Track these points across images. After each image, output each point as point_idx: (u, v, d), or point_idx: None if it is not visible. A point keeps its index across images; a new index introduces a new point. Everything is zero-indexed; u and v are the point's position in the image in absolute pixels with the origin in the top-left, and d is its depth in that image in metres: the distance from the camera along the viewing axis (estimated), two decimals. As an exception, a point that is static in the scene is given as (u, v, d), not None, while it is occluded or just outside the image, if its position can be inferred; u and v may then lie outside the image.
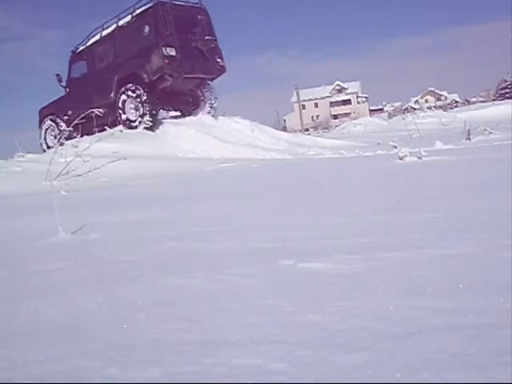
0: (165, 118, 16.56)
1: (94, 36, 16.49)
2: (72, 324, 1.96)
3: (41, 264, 3.01)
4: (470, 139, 14.24)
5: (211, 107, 17.01)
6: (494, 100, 56.90)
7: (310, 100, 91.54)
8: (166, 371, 1.47)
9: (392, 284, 2.07)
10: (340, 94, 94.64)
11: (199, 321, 1.86)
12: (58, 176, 6.83)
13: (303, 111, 70.36)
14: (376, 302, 1.88)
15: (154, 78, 14.75)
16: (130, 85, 14.96)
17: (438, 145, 11.61)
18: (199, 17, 15.68)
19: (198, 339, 1.69)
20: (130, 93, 15.02)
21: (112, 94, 15.35)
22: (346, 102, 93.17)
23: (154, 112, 15.16)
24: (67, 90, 17.21)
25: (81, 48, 16.83)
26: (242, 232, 3.56)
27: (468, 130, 14.88)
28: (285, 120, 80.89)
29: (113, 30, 15.81)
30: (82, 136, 12.93)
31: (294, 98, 74.44)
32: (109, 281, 2.52)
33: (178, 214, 4.82)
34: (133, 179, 8.68)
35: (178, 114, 17.17)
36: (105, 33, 16.06)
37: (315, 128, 64.59)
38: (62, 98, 17.41)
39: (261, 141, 16.89)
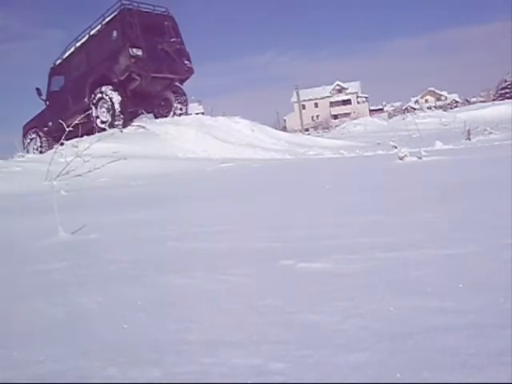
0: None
1: (69, 49, 17.28)
2: (72, 324, 1.96)
3: (41, 264, 3.01)
4: (469, 139, 14.24)
5: (182, 108, 17.63)
6: (494, 100, 56.86)
7: (309, 100, 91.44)
8: (166, 371, 1.47)
9: (392, 284, 2.07)
10: (340, 94, 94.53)
11: (199, 321, 1.86)
12: (58, 176, 6.83)
13: (303, 111, 70.31)
14: (376, 302, 1.88)
15: (123, 77, 15.42)
16: (102, 87, 15.65)
17: (438, 145, 11.61)
18: (166, 23, 16.55)
19: (198, 339, 1.69)
20: (101, 95, 15.70)
21: (86, 99, 15.97)
22: (346, 102, 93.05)
23: (125, 112, 15.54)
24: (47, 103, 17.94)
25: (58, 62, 17.60)
26: (242, 232, 3.56)
27: (468, 130, 14.88)
28: (285, 120, 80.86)
29: (85, 40, 16.65)
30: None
31: (294, 98, 74.39)
32: (109, 281, 2.51)
33: (178, 213, 4.82)
34: (133, 179, 8.68)
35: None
36: (78, 44, 16.90)
37: (315, 128, 64.58)
38: (42, 111, 18.16)
39: (261, 141, 16.90)
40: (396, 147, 11.12)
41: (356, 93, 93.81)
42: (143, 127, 15.75)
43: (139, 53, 15.40)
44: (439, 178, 5.89)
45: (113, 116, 15.50)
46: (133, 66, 15.35)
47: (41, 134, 17.79)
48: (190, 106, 18.78)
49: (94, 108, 15.68)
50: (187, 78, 17.39)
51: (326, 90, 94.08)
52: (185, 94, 17.76)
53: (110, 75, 15.46)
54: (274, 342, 1.60)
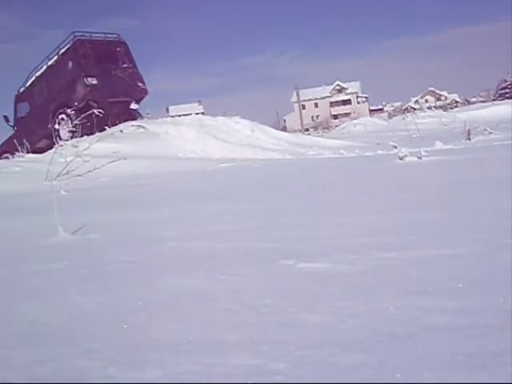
0: None
1: (31, 77, 18.76)
2: (72, 324, 1.96)
3: (41, 264, 3.01)
4: (469, 139, 14.25)
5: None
6: (493, 100, 56.91)
7: (309, 100, 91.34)
8: (166, 371, 1.47)
9: (392, 284, 2.07)
10: (340, 94, 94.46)
11: (199, 321, 1.86)
12: (58, 176, 6.82)
13: (303, 111, 70.23)
14: (376, 302, 1.88)
15: (81, 105, 16.89)
16: (64, 109, 17.27)
17: (438, 145, 11.62)
18: (118, 49, 18.06)
19: (198, 339, 1.68)
20: (63, 116, 17.27)
21: (49, 125, 17.26)
22: (346, 102, 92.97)
23: (86, 134, 16.48)
24: (15, 128, 19.26)
25: (22, 90, 19.06)
26: (242, 232, 3.56)
27: (468, 130, 14.89)
28: (285, 120, 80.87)
29: (44, 70, 18.20)
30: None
31: (294, 98, 74.33)
32: (109, 281, 2.52)
33: (178, 213, 4.82)
34: (133, 179, 8.68)
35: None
36: (38, 73, 18.47)
37: (315, 128, 64.55)
38: (11, 136, 19.39)
39: (261, 141, 16.91)
40: (396, 147, 11.12)
41: (356, 93, 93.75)
42: (143, 127, 15.77)
43: (94, 82, 17.03)
44: (439, 178, 5.89)
45: (73, 136, 16.74)
46: (89, 95, 16.87)
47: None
48: (190, 105, 19.04)
49: (56, 132, 16.97)
50: (142, 99, 18.79)
51: (325, 90, 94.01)
52: (140, 115, 19.18)
53: (69, 103, 17.08)
54: (274, 342, 1.60)
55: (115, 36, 18.24)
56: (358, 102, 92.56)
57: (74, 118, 16.51)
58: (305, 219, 3.88)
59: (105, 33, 18.09)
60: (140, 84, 18.15)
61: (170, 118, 17.55)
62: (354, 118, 53.22)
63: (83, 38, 17.24)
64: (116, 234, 3.90)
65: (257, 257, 2.73)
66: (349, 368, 1.39)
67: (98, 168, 7.85)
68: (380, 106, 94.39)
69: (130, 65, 17.99)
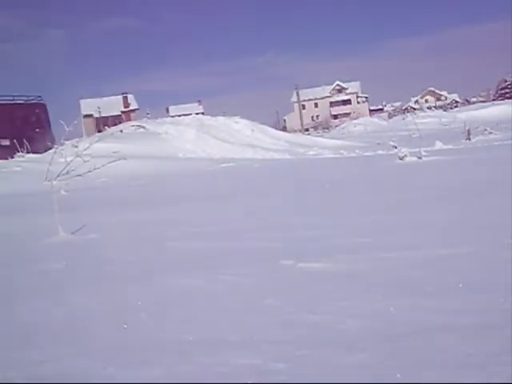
0: None
1: None
2: (72, 324, 1.96)
3: (41, 264, 3.01)
4: (469, 139, 14.25)
5: None
6: (493, 100, 56.93)
7: (309, 100, 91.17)
8: (166, 371, 1.47)
9: (392, 284, 2.07)
10: (340, 94, 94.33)
11: (199, 321, 1.86)
12: (58, 176, 6.82)
13: (303, 111, 70.17)
14: (376, 302, 1.88)
15: None
16: None
17: (438, 145, 11.62)
18: (36, 111, 20.61)
19: (198, 339, 1.69)
20: None
21: None
22: (346, 102, 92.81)
23: None
24: None
25: None
26: (242, 232, 3.56)
27: (468, 130, 14.89)
28: (285, 120, 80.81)
29: None
30: None
31: (294, 98, 74.30)
32: (109, 281, 2.52)
33: (178, 214, 4.82)
34: (133, 179, 8.67)
35: None
36: None
37: (315, 128, 64.57)
38: None
39: (261, 141, 16.93)
40: (396, 147, 11.12)
41: (356, 93, 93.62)
42: (143, 127, 15.78)
43: (7, 143, 19.22)
44: (439, 178, 5.89)
45: None
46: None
47: None
48: (190, 105, 19.12)
49: None
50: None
51: (325, 90, 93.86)
52: None
53: None
54: (274, 342, 1.60)
55: (37, 98, 20.65)
56: (358, 102, 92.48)
57: None
58: (305, 219, 3.88)
59: (28, 95, 20.82)
60: (49, 143, 20.12)
61: (170, 118, 17.57)
62: (354, 118, 53.18)
63: (4, 102, 20.03)
64: (116, 234, 3.90)
65: (257, 257, 2.73)
66: (349, 368, 1.39)
67: (98, 168, 7.83)
68: (380, 106, 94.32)
69: (45, 125, 20.45)
